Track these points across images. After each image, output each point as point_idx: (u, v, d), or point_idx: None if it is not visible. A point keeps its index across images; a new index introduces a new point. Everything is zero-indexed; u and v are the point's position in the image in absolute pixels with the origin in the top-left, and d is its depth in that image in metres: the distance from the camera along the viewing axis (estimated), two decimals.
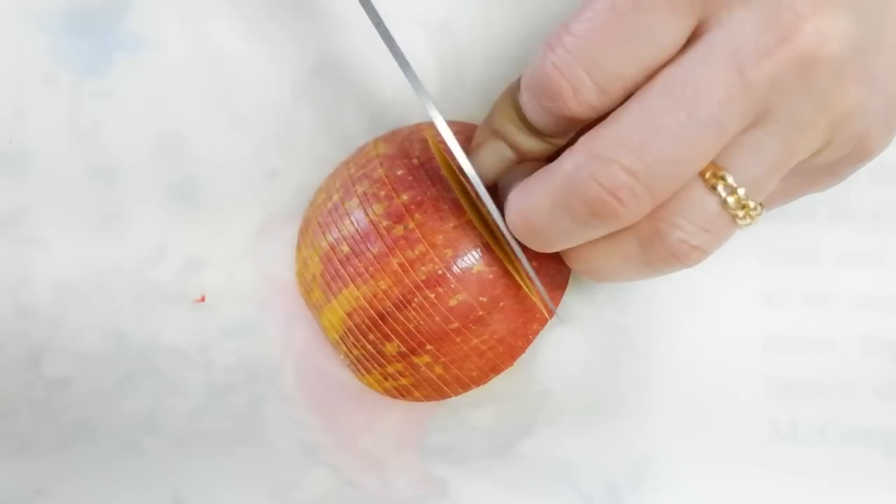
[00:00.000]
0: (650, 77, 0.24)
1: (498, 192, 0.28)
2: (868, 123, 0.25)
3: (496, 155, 0.28)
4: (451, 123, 0.31)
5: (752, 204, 0.25)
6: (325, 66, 0.33)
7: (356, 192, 0.29)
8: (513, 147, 0.27)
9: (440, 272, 0.28)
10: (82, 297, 0.32)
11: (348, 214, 0.29)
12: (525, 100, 0.26)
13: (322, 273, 0.30)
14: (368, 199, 0.29)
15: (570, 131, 0.26)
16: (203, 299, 0.32)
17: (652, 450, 0.32)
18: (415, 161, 0.29)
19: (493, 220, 0.27)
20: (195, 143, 0.32)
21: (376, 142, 0.31)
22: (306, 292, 0.31)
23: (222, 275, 0.32)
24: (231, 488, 0.31)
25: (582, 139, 0.24)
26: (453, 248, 0.28)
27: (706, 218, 0.25)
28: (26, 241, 0.32)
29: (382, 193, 0.29)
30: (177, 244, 0.32)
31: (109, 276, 0.32)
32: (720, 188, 0.24)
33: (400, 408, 0.32)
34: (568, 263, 0.27)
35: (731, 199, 0.24)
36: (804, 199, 0.31)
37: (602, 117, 0.24)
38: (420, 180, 0.29)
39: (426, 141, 0.30)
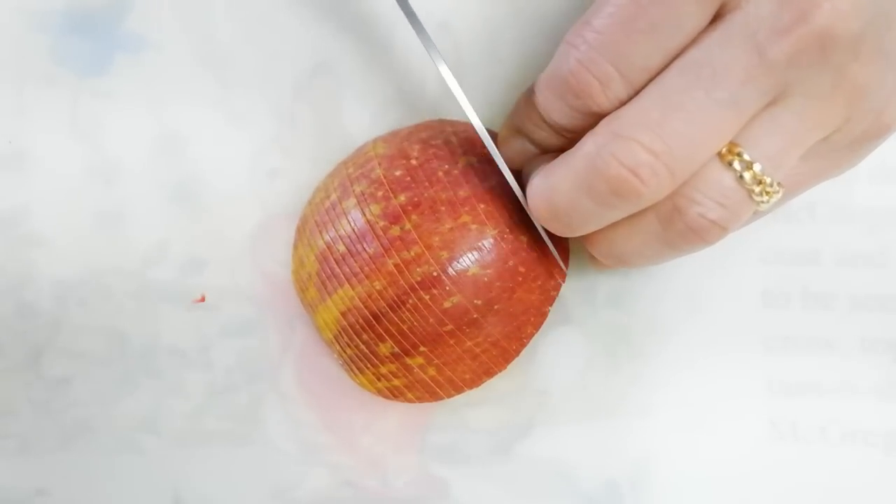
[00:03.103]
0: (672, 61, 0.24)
1: (522, 182, 0.28)
2: (885, 98, 0.25)
3: (519, 150, 0.28)
4: (449, 123, 0.31)
5: (768, 180, 0.25)
6: (325, 66, 0.33)
7: (354, 191, 0.29)
8: (535, 143, 0.28)
9: (435, 274, 0.28)
10: (82, 297, 0.32)
11: (345, 214, 0.29)
12: (544, 99, 0.26)
13: (318, 272, 0.30)
14: (366, 199, 0.29)
15: (592, 125, 0.26)
16: (203, 299, 0.32)
17: (652, 450, 0.32)
18: (413, 162, 0.29)
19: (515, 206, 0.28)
20: (195, 143, 0.32)
21: (375, 142, 0.31)
22: (302, 291, 0.31)
23: (222, 275, 0.32)
24: (231, 488, 0.31)
25: (603, 121, 0.25)
26: (449, 249, 0.28)
27: (723, 193, 0.25)
28: (26, 240, 0.32)
29: (380, 194, 0.29)
30: (177, 244, 0.32)
31: (109, 276, 0.32)
32: (736, 163, 0.24)
33: (400, 408, 0.32)
34: (590, 250, 0.28)
35: (746, 175, 0.25)
36: (804, 199, 0.31)
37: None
38: (418, 181, 0.29)
39: (425, 142, 0.30)
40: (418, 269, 0.28)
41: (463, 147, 0.30)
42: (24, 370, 0.31)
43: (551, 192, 0.26)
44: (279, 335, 0.32)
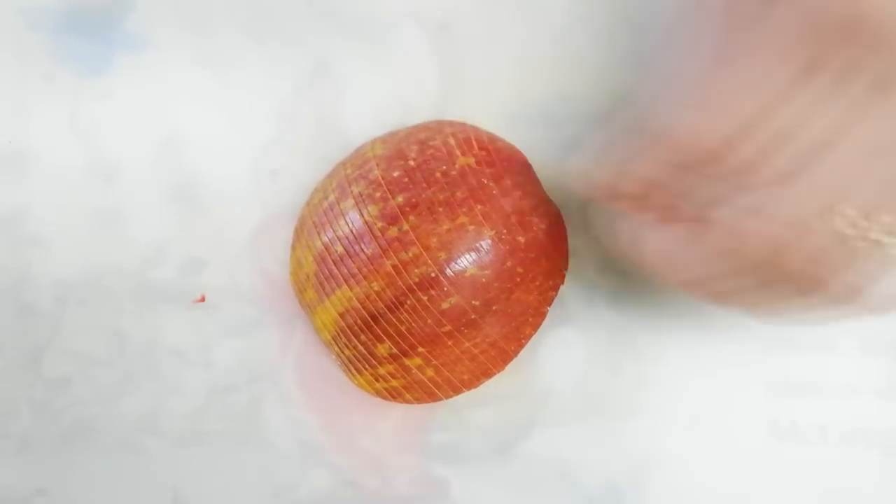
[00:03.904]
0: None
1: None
2: None
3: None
4: (448, 123, 0.31)
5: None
6: (325, 66, 0.33)
7: (352, 192, 0.29)
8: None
9: (433, 275, 0.28)
10: (82, 297, 0.32)
11: (343, 215, 0.29)
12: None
13: (316, 273, 0.30)
14: (364, 200, 0.29)
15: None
16: (203, 299, 0.32)
17: (652, 450, 0.32)
18: (411, 163, 0.29)
19: None
20: (195, 144, 0.32)
21: (374, 143, 0.31)
22: (300, 291, 0.31)
23: (222, 275, 0.32)
24: (231, 488, 0.31)
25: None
26: (447, 250, 0.28)
27: None
28: (26, 241, 0.32)
29: (378, 195, 0.29)
30: (177, 244, 0.32)
31: (109, 276, 0.32)
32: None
33: (400, 408, 0.32)
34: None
35: None
36: None
37: None
38: (416, 182, 0.29)
39: (423, 143, 0.30)
40: (416, 270, 0.28)
41: (461, 148, 0.30)
42: (24, 370, 0.31)
43: None
44: (279, 335, 0.32)
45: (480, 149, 0.29)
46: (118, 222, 0.32)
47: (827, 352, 0.32)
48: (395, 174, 0.29)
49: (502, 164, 0.29)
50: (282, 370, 0.32)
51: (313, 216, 0.30)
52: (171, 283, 0.32)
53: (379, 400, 0.31)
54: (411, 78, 0.33)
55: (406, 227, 0.28)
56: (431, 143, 0.30)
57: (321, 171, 0.32)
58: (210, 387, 0.31)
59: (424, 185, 0.29)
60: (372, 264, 0.28)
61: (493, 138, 0.30)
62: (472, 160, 0.29)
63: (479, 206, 0.28)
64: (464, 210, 0.28)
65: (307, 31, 0.33)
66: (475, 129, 0.31)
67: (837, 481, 0.32)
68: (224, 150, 0.32)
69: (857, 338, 0.32)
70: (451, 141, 0.30)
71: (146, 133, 0.32)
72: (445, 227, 0.28)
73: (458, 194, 0.29)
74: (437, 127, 0.31)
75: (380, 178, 0.29)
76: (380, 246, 0.28)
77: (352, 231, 0.29)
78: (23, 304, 0.31)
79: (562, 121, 0.32)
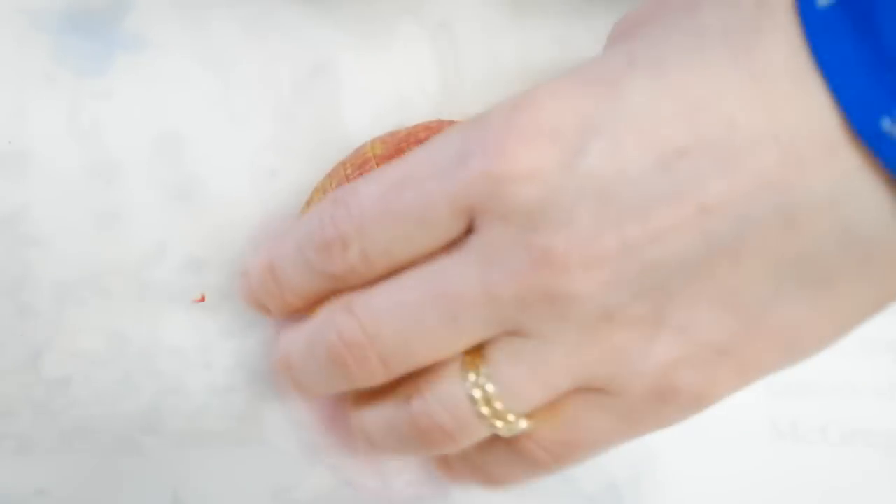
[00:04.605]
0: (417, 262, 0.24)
1: None
2: (664, 363, 0.23)
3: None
4: (448, 123, 0.31)
5: (499, 406, 0.24)
6: (325, 66, 0.33)
7: None
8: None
9: None
10: (82, 297, 0.32)
11: None
12: (288, 248, 0.26)
13: None
14: None
15: (322, 295, 0.26)
16: (203, 299, 0.32)
17: (652, 450, 0.32)
18: None
19: None
20: (195, 143, 0.32)
21: (374, 142, 0.31)
22: None
23: (222, 275, 0.32)
24: (231, 488, 0.31)
25: (344, 293, 0.25)
26: None
27: (451, 401, 0.25)
28: (26, 241, 0.32)
29: None
30: (177, 244, 0.32)
31: (109, 276, 0.32)
32: (471, 376, 0.24)
33: None
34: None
35: (476, 392, 0.24)
36: None
37: None
38: None
39: (423, 143, 0.30)
40: None
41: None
42: (24, 370, 0.31)
43: (287, 346, 0.26)
44: (279, 335, 0.32)
45: None
46: (118, 222, 0.32)
47: (827, 352, 0.32)
48: None
49: None
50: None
51: None
52: (171, 283, 0.32)
53: None
54: (411, 78, 0.33)
55: None
56: None
57: (321, 171, 0.32)
58: (210, 387, 0.31)
59: None
60: None
61: None
62: None
63: None
64: None
65: (307, 31, 0.33)
66: None
67: (837, 481, 0.32)
68: (224, 149, 0.32)
69: (857, 338, 0.32)
70: None
71: (146, 133, 0.32)
72: None
73: None
74: (438, 126, 0.31)
75: None
76: None
77: None
78: (23, 304, 0.31)
79: None
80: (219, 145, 0.32)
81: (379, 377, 0.25)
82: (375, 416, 0.26)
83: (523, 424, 0.25)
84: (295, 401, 0.32)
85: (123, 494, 0.31)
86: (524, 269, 0.23)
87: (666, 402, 0.24)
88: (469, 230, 0.24)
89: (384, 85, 0.33)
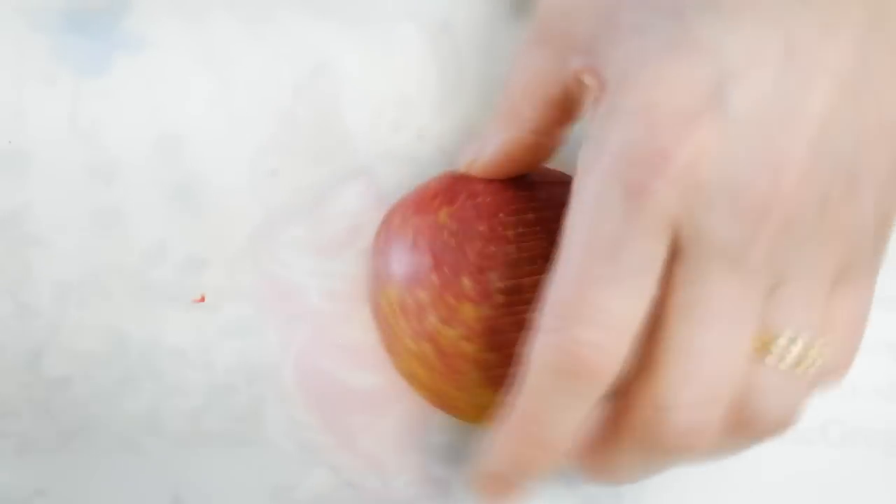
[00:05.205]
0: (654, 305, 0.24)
1: None
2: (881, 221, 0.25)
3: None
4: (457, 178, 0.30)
5: (814, 347, 0.24)
6: (325, 66, 0.33)
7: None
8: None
9: None
10: (82, 296, 0.32)
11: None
12: (543, 401, 0.24)
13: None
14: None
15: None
16: (203, 299, 0.32)
17: None
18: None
19: None
20: (195, 143, 0.32)
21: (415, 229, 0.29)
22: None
23: (222, 275, 0.32)
24: (231, 488, 0.31)
25: (633, 399, 0.24)
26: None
27: (785, 389, 0.24)
28: (26, 241, 0.32)
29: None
30: (177, 244, 0.32)
31: (109, 275, 0.32)
32: (773, 350, 0.24)
33: (400, 408, 0.32)
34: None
35: (797, 362, 0.24)
36: None
37: None
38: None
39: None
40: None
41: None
42: (24, 370, 0.31)
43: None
44: (279, 335, 0.32)
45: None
46: (118, 222, 0.32)
47: None
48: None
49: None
50: (282, 370, 0.32)
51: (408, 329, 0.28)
52: (171, 283, 0.32)
53: (379, 400, 0.31)
54: (411, 78, 0.33)
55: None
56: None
57: (321, 171, 0.32)
58: (210, 387, 0.31)
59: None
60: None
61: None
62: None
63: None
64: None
65: (307, 31, 0.33)
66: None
67: (837, 481, 0.32)
68: (224, 149, 0.32)
69: None
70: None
71: (146, 132, 0.32)
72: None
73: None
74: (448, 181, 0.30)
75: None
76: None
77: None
78: (23, 304, 0.31)
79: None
80: (219, 145, 0.32)
81: (715, 426, 0.24)
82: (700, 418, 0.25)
83: (827, 348, 0.25)
84: (295, 401, 0.32)
85: (123, 494, 0.31)
86: (754, 221, 0.23)
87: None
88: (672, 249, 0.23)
89: (384, 85, 0.33)
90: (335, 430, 0.32)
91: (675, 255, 0.23)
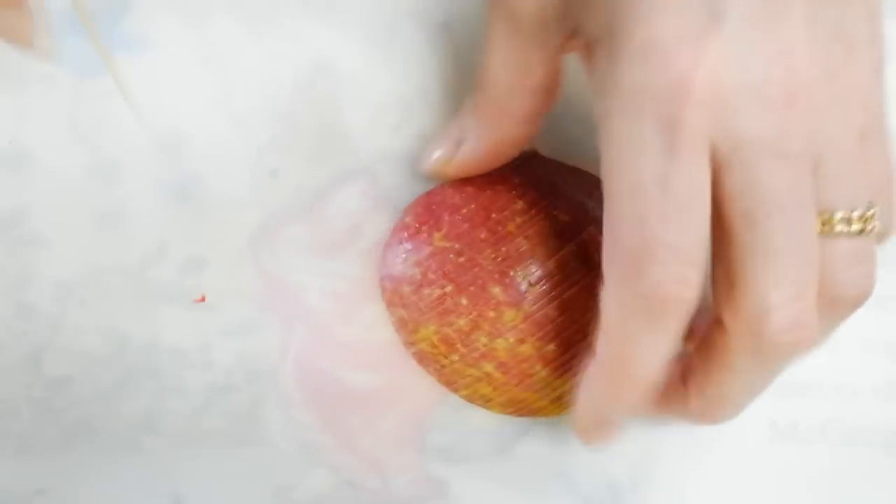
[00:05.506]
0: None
1: None
2: None
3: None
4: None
5: (868, 217, 0.25)
6: (325, 66, 0.33)
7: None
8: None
9: None
10: (82, 297, 0.32)
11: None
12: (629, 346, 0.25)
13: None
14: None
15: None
16: (203, 299, 0.32)
17: (652, 450, 0.32)
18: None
19: None
20: (195, 143, 0.32)
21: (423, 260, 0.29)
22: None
23: (222, 275, 0.32)
24: (231, 488, 0.31)
25: (727, 307, 0.25)
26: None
27: (853, 254, 0.25)
28: (26, 241, 0.32)
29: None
30: (177, 244, 0.32)
31: (109, 275, 0.32)
32: (837, 227, 0.25)
33: (400, 408, 0.32)
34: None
35: (854, 226, 0.25)
36: None
37: None
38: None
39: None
40: None
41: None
42: (24, 370, 0.31)
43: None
44: (279, 335, 0.32)
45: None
46: (118, 222, 0.32)
47: (826, 351, 0.32)
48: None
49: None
50: (282, 370, 0.32)
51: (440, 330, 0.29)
52: (171, 283, 0.32)
53: (379, 400, 0.31)
54: (411, 78, 0.33)
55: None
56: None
57: (321, 172, 0.32)
58: (210, 387, 0.31)
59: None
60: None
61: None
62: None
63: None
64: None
65: (307, 31, 0.33)
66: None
67: (837, 481, 0.32)
68: (224, 149, 0.32)
69: (856, 337, 0.32)
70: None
71: (146, 133, 0.32)
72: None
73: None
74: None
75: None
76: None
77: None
78: (23, 304, 0.31)
79: (562, 120, 0.32)
80: (219, 145, 0.32)
81: (815, 312, 0.25)
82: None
83: (878, 208, 0.25)
84: (295, 401, 0.32)
85: (123, 494, 0.31)
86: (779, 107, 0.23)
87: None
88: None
89: (384, 85, 0.33)
90: (335, 430, 0.32)
91: (720, 170, 0.24)
